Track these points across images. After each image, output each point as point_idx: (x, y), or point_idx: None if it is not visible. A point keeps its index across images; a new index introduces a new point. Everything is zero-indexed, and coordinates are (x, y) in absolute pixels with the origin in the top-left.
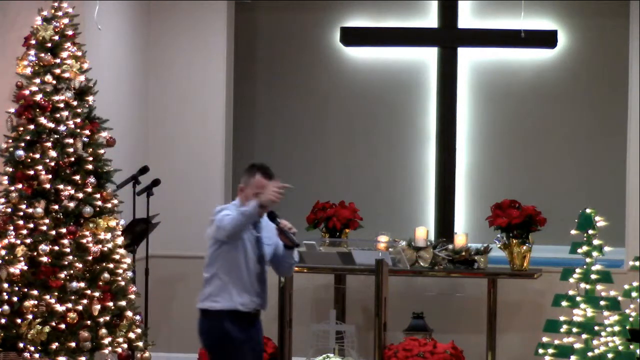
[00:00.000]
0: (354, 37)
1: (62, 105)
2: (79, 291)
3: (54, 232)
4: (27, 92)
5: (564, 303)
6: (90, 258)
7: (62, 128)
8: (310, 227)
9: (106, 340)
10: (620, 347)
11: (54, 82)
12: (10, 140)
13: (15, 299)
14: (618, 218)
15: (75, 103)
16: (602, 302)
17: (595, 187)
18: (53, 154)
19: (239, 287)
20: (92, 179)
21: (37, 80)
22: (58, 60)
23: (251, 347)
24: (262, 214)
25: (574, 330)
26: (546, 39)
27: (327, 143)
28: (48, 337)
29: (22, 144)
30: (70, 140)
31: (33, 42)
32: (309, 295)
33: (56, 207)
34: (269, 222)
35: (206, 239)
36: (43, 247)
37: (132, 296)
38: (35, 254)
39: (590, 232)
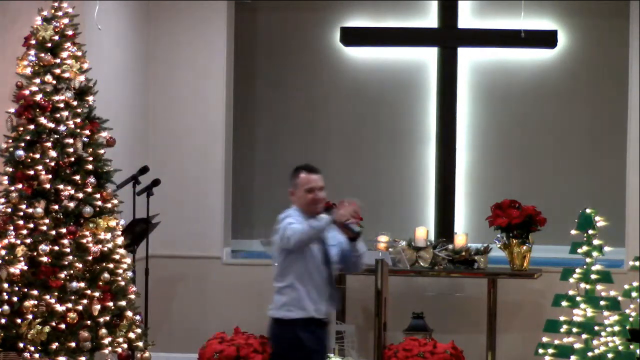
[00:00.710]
0: (354, 37)
1: (62, 105)
2: (79, 291)
3: (54, 232)
4: (27, 92)
5: (564, 303)
6: (90, 258)
7: (62, 128)
8: None
9: (106, 340)
10: (620, 347)
11: (54, 82)
12: (10, 140)
13: (15, 299)
14: (618, 218)
15: (75, 103)
16: (602, 302)
17: (595, 187)
18: (53, 154)
19: (313, 294)
20: (92, 179)
21: (37, 80)
22: (58, 60)
23: (321, 356)
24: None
25: (574, 330)
26: (546, 39)
27: (327, 143)
28: (48, 337)
29: (22, 144)
30: (70, 140)
31: (33, 42)
32: None
33: (56, 207)
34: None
35: (274, 248)
36: (43, 247)
37: (132, 296)
38: (35, 254)
39: (590, 232)
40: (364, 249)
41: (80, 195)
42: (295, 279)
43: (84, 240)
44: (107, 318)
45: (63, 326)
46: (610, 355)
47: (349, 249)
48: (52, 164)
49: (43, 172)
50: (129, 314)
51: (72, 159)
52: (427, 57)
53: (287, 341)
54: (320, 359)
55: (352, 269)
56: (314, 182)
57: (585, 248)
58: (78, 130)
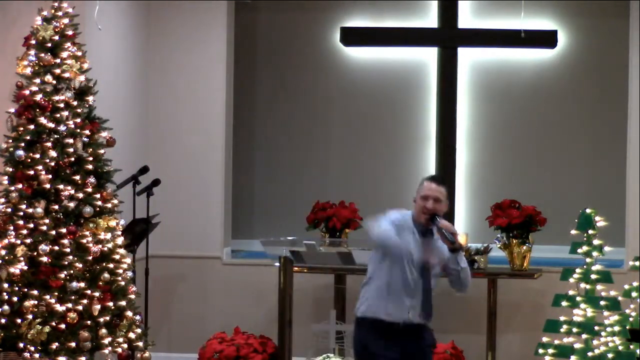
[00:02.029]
0: (354, 37)
1: (62, 105)
2: (79, 291)
3: (54, 232)
4: (27, 92)
5: (564, 303)
6: (90, 258)
7: (62, 128)
8: (310, 227)
9: (106, 340)
10: (620, 347)
11: (54, 82)
12: (10, 140)
13: (15, 299)
14: (618, 218)
15: (75, 103)
16: (602, 302)
17: (595, 187)
18: (53, 154)
19: (392, 296)
20: (92, 179)
21: (37, 80)
22: (58, 60)
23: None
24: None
25: (574, 330)
26: (546, 39)
27: (327, 143)
28: (48, 337)
29: (22, 144)
30: (70, 140)
31: (33, 42)
32: (309, 295)
33: (56, 207)
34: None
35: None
36: (43, 247)
37: (132, 296)
38: (35, 254)
39: (590, 232)
40: (465, 264)
41: (80, 195)
42: (372, 274)
43: (84, 240)
44: (107, 318)
45: (63, 326)
46: (610, 355)
47: (448, 260)
48: (52, 164)
49: (43, 172)
50: (129, 314)
51: (72, 159)
52: (427, 57)
53: (355, 341)
54: None
55: (456, 285)
56: (430, 192)
57: (585, 248)
58: (78, 130)
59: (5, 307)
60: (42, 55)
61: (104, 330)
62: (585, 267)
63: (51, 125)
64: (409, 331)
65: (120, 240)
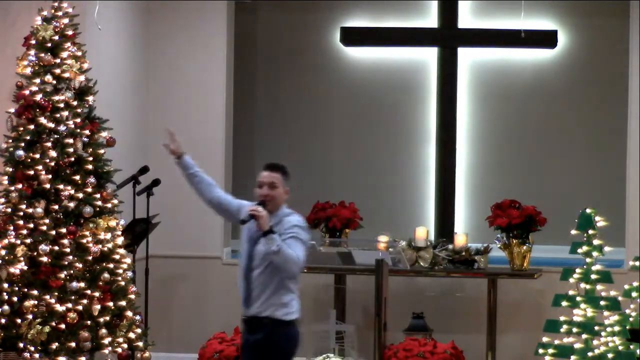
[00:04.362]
0: (354, 37)
1: (62, 105)
2: (79, 291)
3: (54, 232)
4: (27, 92)
5: (564, 303)
6: (90, 258)
7: (62, 128)
8: (310, 227)
9: (106, 340)
10: (620, 347)
11: (54, 82)
12: (10, 140)
13: (15, 299)
14: (618, 218)
15: (75, 103)
16: (602, 302)
17: (595, 187)
18: (53, 154)
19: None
20: (92, 179)
21: (37, 80)
22: (58, 60)
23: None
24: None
25: (574, 330)
26: (546, 39)
27: (327, 143)
28: (48, 337)
29: (22, 144)
30: (70, 140)
31: (33, 42)
32: (309, 295)
33: (56, 207)
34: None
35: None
36: (43, 247)
37: (132, 296)
38: (35, 254)
39: (590, 232)
40: (276, 248)
41: (80, 195)
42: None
43: (84, 240)
44: (107, 318)
45: (63, 326)
46: (610, 355)
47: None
48: (52, 164)
49: (43, 172)
50: (129, 314)
51: (72, 159)
52: (427, 57)
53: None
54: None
55: (282, 273)
56: (264, 178)
57: (585, 248)
58: (78, 130)
59: (5, 307)
60: (42, 55)
61: (104, 330)
62: (585, 267)
63: (51, 125)
64: (250, 324)
65: (120, 240)
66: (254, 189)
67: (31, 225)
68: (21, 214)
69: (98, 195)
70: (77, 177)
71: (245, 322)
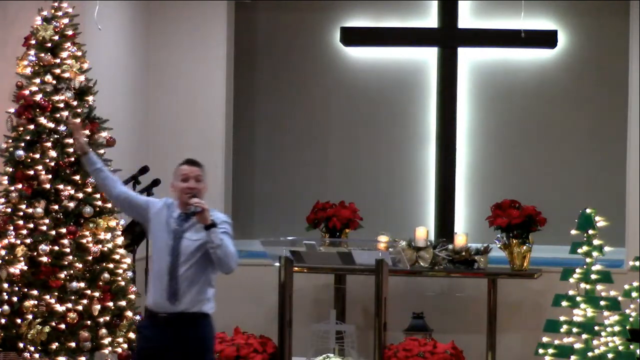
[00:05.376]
0: (354, 37)
1: (62, 105)
2: (79, 291)
3: (54, 232)
4: (27, 92)
5: (564, 303)
6: (90, 258)
7: (62, 128)
8: (310, 227)
9: (106, 340)
10: (620, 347)
11: (54, 82)
12: (10, 140)
13: (15, 299)
14: (618, 218)
15: (75, 103)
16: (602, 302)
17: (595, 187)
18: (53, 154)
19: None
20: (92, 179)
21: (37, 80)
22: (58, 60)
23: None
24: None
25: (574, 330)
26: (546, 39)
27: (327, 143)
28: (48, 337)
29: (22, 144)
30: (70, 140)
31: (33, 42)
32: (309, 295)
33: (56, 207)
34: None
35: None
36: (43, 247)
37: (132, 296)
38: (35, 254)
39: (590, 232)
40: (219, 242)
41: (80, 195)
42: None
43: (84, 240)
44: (107, 318)
45: (63, 326)
46: (610, 355)
47: (208, 241)
48: (52, 164)
49: (43, 172)
50: (129, 314)
51: (72, 159)
52: (427, 57)
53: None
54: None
55: (218, 267)
56: (190, 172)
57: (585, 248)
58: None
59: (5, 307)
60: (42, 55)
61: (104, 330)
62: (585, 267)
63: (51, 125)
64: (167, 320)
65: (120, 240)
66: (171, 183)
67: (31, 225)
68: (21, 214)
69: (98, 195)
70: (77, 177)
71: (169, 319)
